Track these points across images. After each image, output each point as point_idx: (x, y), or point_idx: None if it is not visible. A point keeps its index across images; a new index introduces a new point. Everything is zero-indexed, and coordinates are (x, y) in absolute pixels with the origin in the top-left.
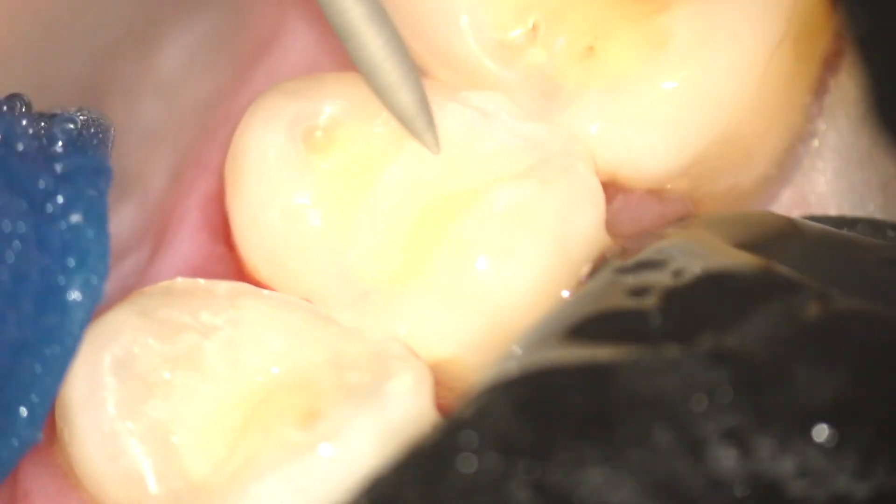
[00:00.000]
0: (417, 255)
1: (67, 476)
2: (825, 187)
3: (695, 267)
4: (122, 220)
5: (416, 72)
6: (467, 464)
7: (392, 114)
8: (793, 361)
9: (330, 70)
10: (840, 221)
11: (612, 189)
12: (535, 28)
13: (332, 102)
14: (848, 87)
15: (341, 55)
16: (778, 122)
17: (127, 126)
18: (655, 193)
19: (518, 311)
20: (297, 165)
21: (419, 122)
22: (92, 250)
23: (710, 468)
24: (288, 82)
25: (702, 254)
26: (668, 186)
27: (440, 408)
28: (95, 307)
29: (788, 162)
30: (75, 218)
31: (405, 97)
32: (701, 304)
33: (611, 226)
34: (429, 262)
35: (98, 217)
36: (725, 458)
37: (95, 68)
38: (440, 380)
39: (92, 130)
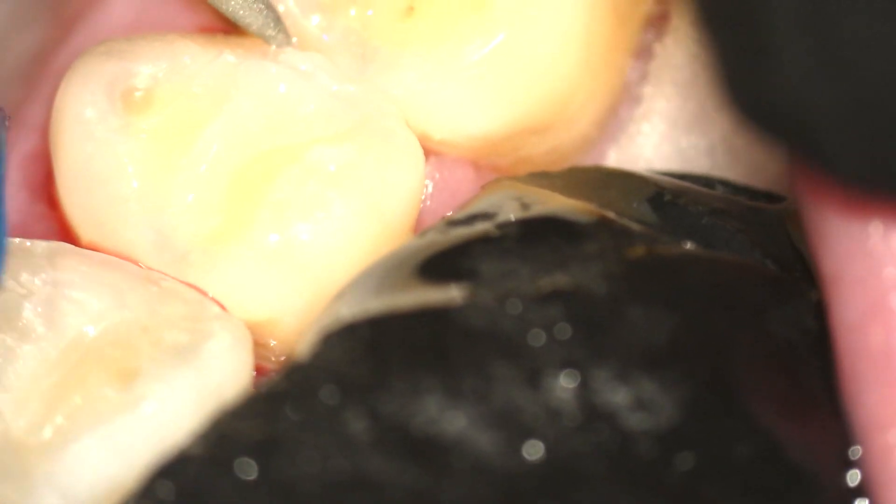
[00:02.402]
0: (236, 215)
1: None
2: (652, 151)
3: (526, 212)
4: None
5: None
6: (304, 400)
7: (242, 25)
8: (626, 300)
9: (151, 31)
10: (671, 176)
11: (426, 152)
12: None
13: (152, 63)
14: (674, 52)
15: (162, 17)
16: (599, 84)
17: None
18: (471, 159)
19: (336, 271)
20: (117, 125)
21: (267, 30)
22: None
23: (546, 398)
24: (107, 43)
25: (532, 201)
26: (488, 149)
27: (259, 368)
28: None
29: (612, 126)
30: None
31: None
32: (533, 246)
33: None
34: (247, 222)
35: None
36: (562, 389)
37: None
38: (259, 340)
39: None
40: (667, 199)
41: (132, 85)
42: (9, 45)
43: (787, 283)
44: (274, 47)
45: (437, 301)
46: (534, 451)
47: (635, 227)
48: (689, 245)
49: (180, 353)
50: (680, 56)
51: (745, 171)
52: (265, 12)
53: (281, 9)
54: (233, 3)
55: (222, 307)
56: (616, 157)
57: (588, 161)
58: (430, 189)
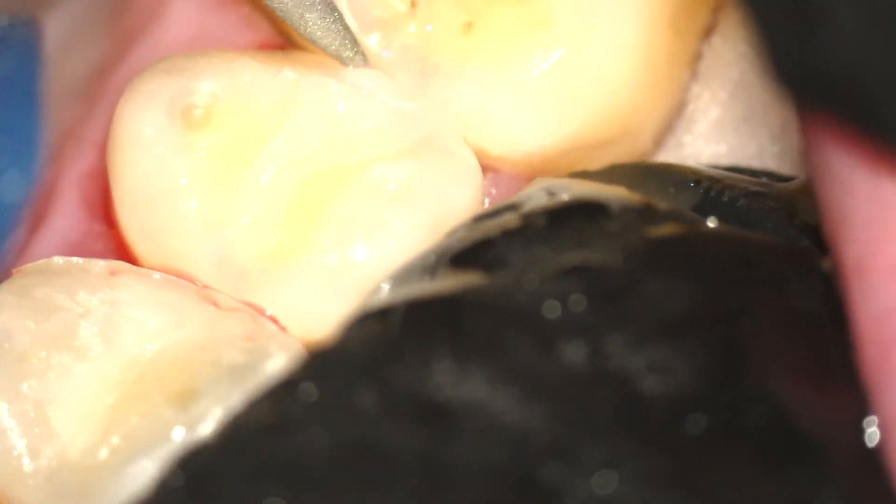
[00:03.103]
0: (295, 233)
1: None
2: (699, 152)
3: (552, 200)
4: None
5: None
6: (316, 383)
7: (319, 46)
8: (644, 272)
9: (210, 47)
10: (716, 168)
11: (484, 168)
12: (413, 5)
13: (211, 80)
14: (721, 52)
15: (220, 33)
16: (658, 99)
17: None
18: (529, 174)
19: None
20: (176, 143)
21: (344, 51)
22: (23, 139)
23: (559, 363)
24: (166, 59)
25: (558, 189)
26: (546, 165)
27: None
28: (29, 197)
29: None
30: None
31: (330, 28)
32: (556, 231)
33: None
34: (307, 240)
35: (29, 103)
36: (574, 354)
37: None
38: None
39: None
40: (704, 185)
41: (191, 102)
42: (67, 61)
43: (814, 256)
44: (351, 67)
45: (456, 287)
46: (544, 411)
47: (663, 206)
48: (715, 223)
49: (238, 373)
50: (728, 56)
51: (794, 172)
52: (342, 33)
53: None
54: (310, 24)
55: (280, 326)
56: (663, 158)
57: None
58: (487, 205)
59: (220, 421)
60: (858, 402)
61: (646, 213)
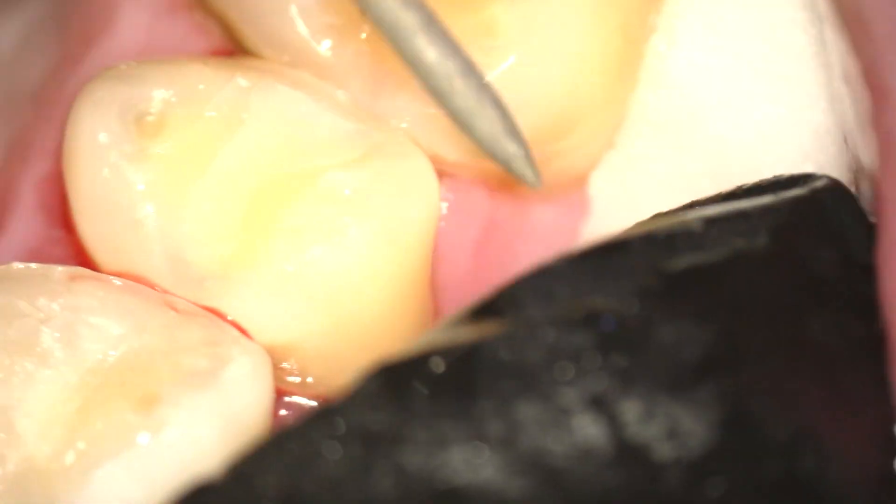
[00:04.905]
0: (251, 240)
1: None
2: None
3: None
4: None
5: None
6: (330, 454)
7: (494, 160)
8: (658, 319)
9: (161, 55)
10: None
11: (440, 174)
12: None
13: (164, 87)
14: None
15: (172, 40)
16: (609, 105)
17: None
18: (484, 180)
19: (351, 295)
20: (131, 150)
21: (520, 163)
22: None
23: (575, 438)
24: (119, 67)
25: None
26: (501, 170)
27: (279, 390)
28: None
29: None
30: None
31: (508, 144)
32: (575, 269)
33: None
34: (262, 247)
35: None
36: (591, 426)
37: None
38: (279, 364)
39: None
40: (715, 215)
41: (144, 109)
42: (19, 68)
43: (831, 283)
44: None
45: (474, 336)
46: (562, 493)
47: (681, 235)
48: (739, 243)
49: (200, 379)
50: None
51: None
52: (513, 147)
53: (292, 32)
54: (476, 131)
55: (242, 330)
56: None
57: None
58: (444, 211)
59: (231, 467)
60: (883, 435)
61: (663, 245)
